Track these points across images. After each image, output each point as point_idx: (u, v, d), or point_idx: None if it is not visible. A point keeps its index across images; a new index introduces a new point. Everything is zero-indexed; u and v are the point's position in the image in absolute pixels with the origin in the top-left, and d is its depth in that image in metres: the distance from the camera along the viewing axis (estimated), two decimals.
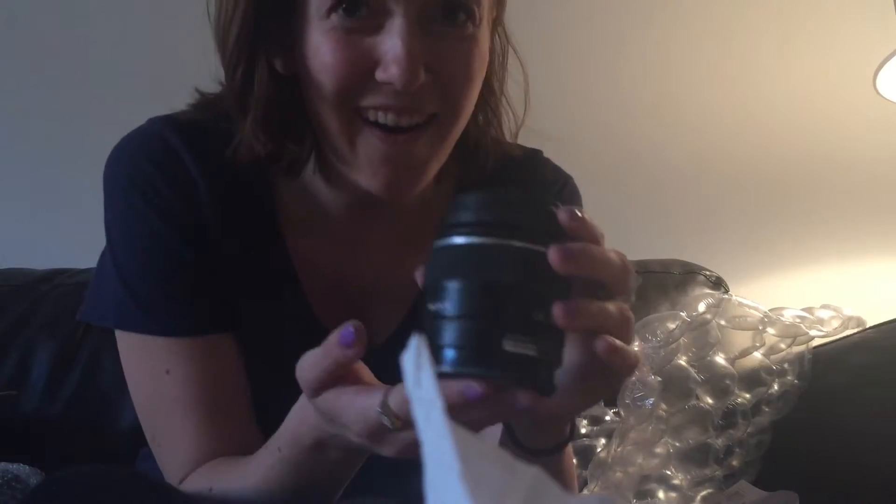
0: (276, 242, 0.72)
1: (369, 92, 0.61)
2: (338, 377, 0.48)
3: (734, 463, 1.08)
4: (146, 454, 0.80)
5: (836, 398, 1.08)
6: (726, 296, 1.16)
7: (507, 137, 0.77)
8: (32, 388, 1.14)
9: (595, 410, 1.16)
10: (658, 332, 1.08)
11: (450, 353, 0.43)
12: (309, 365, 0.48)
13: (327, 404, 0.49)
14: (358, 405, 0.47)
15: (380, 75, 0.60)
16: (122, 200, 0.69)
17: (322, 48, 0.61)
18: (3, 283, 1.24)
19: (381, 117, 0.61)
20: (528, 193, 0.48)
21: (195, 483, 0.65)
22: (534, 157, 0.82)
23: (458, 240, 0.45)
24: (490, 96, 0.73)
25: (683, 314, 1.11)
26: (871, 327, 1.16)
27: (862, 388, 1.06)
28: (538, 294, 0.43)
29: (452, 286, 0.44)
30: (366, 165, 0.63)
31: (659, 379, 1.05)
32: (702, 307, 1.12)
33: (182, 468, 0.67)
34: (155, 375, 0.68)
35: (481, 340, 0.43)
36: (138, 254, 0.69)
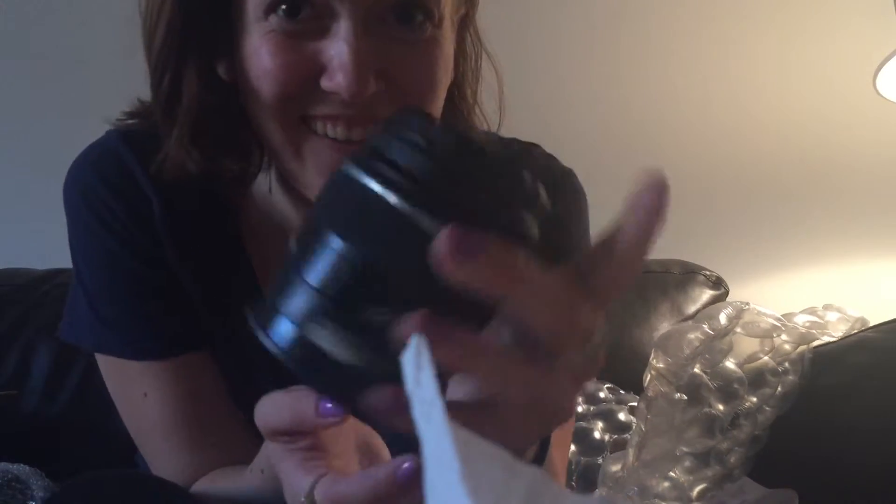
0: (239, 258, 0.69)
1: (315, 101, 0.55)
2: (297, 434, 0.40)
3: (731, 460, 1.09)
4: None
5: (834, 397, 1.08)
6: (745, 306, 1.15)
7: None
8: (32, 388, 1.14)
9: (588, 387, 1.14)
10: (684, 346, 1.07)
11: (279, 324, 0.34)
12: (269, 409, 0.39)
13: (274, 457, 0.42)
14: (293, 481, 0.40)
15: (325, 83, 0.54)
16: (79, 220, 0.67)
17: (260, 52, 0.54)
18: (3, 283, 1.24)
19: (329, 130, 0.56)
20: (504, 160, 0.33)
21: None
22: (528, 150, 0.76)
23: (367, 182, 0.32)
24: (462, 103, 0.67)
25: (705, 326, 1.10)
26: (870, 327, 1.16)
27: (860, 388, 1.06)
28: (401, 293, 0.32)
29: (326, 241, 0.33)
30: (315, 178, 0.57)
31: (685, 397, 1.04)
32: (723, 319, 1.11)
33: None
34: (133, 398, 0.66)
35: (305, 317, 0.33)
36: (99, 275, 0.67)
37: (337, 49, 0.53)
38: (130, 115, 0.69)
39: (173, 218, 0.65)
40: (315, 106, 0.55)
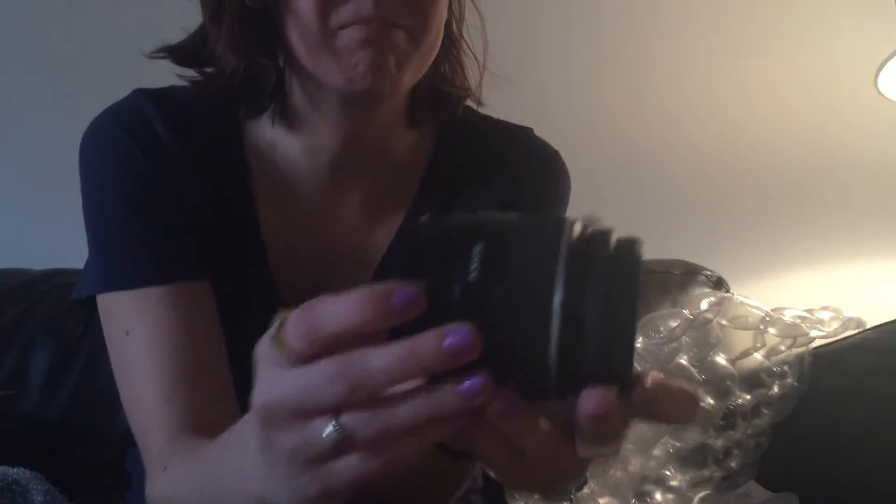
0: (246, 207, 0.72)
1: (344, 4, 0.61)
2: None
3: (732, 464, 1.08)
4: (134, 455, 0.79)
5: (835, 399, 1.07)
6: (728, 294, 1.16)
7: (472, 85, 0.78)
8: (31, 388, 1.14)
9: None
10: (661, 328, 1.08)
11: None
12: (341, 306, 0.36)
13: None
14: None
15: None
16: (97, 160, 0.70)
17: None
18: (2, 283, 1.24)
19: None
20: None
21: (159, 462, 0.60)
22: (520, 131, 0.82)
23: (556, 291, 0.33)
24: (450, 43, 0.74)
25: (686, 312, 1.11)
26: (870, 328, 1.15)
27: (861, 390, 1.06)
28: None
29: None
30: (345, 60, 0.62)
31: (661, 376, 1.04)
32: (704, 305, 1.11)
33: (150, 447, 0.62)
34: (117, 339, 0.66)
35: None
36: (107, 210, 0.69)
37: None
38: (162, 49, 0.74)
39: (190, 165, 0.70)
40: (343, 9, 0.61)
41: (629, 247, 0.34)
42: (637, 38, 1.66)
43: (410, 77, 0.66)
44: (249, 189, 0.72)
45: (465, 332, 0.31)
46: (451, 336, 0.31)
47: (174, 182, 0.69)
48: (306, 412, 0.34)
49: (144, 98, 0.72)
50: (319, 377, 0.33)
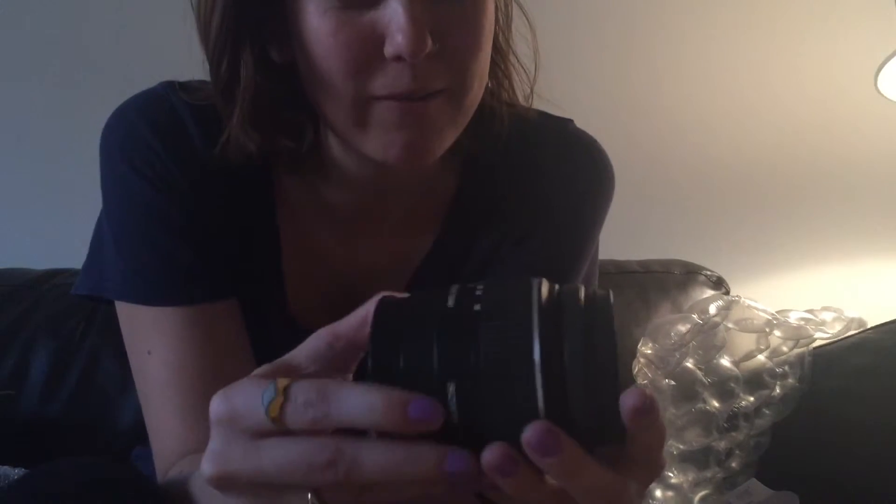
0: (269, 230, 0.69)
1: (377, 72, 0.56)
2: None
3: (733, 465, 1.08)
4: (138, 454, 0.78)
5: (835, 399, 1.07)
6: (735, 298, 1.15)
7: (521, 99, 0.72)
8: (31, 387, 1.14)
9: None
10: (672, 334, 1.07)
11: None
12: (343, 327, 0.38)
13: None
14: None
15: (387, 49, 0.55)
16: (116, 163, 0.65)
17: (321, 31, 0.56)
18: (3, 283, 1.24)
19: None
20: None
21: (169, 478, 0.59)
22: (559, 128, 0.76)
23: (534, 344, 0.33)
24: (498, 57, 0.69)
25: (694, 316, 1.10)
26: (871, 328, 1.15)
27: (861, 389, 1.05)
28: None
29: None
30: (379, 137, 0.58)
31: (672, 383, 1.04)
32: (712, 310, 1.11)
33: (164, 462, 0.62)
34: (138, 354, 0.64)
35: None
36: (130, 219, 0.64)
37: (392, 11, 0.54)
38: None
39: (217, 172, 0.65)
40: (377, 78, 0.56)
41: (600, 297, 0.34)
42: (636, 38, 1.66)
43: (452, 137, 0.62)
44: (274, 210, 0.69)
45: (465, 459, 0.31)
46: (451, 460, 0.31)
47: (203, 193, 0.64)
48: (279, 487, 0.33)
49: (176, 93, 0.66)
50: (307, 458, 0.32)
